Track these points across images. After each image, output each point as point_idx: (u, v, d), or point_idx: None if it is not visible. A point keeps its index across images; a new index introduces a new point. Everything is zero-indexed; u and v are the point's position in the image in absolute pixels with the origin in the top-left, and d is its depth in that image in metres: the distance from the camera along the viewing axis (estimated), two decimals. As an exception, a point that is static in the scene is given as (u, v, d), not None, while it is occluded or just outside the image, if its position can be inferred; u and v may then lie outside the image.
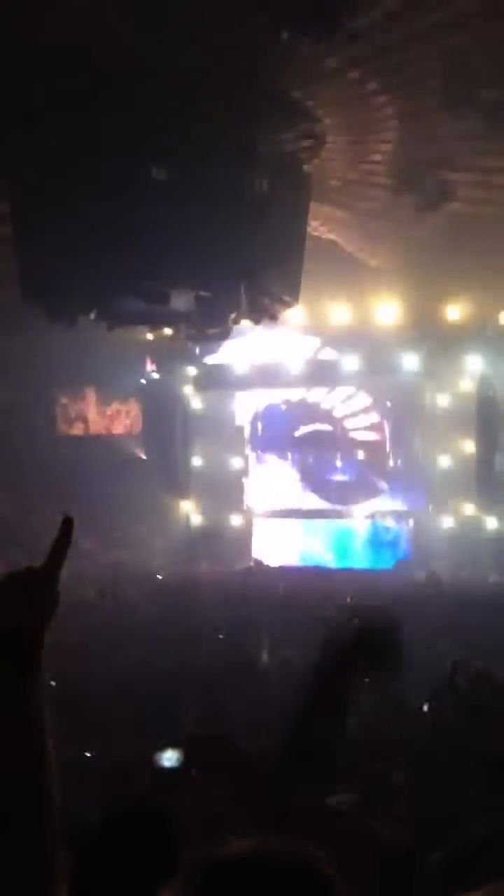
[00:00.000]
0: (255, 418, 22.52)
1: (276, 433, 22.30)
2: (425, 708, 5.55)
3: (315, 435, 21.77)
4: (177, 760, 2.12)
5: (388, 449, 21.29)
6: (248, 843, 1.11)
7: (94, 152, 9.92)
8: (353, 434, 21.46)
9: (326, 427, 21.63)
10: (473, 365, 20.54)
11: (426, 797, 3.24)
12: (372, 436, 21.38)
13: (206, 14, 9.03)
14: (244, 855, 1.08)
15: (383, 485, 21.19)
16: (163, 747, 2.15)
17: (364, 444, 21.47)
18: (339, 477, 21.52)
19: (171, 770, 2.12)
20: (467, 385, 20.59)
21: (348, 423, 21.50)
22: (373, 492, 21.17)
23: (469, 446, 20.23)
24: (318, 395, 21.75)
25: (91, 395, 23.48)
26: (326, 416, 21.66)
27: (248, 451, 22.60)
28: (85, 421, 23.58)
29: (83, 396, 23.46)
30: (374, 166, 12.68)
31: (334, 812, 1.98)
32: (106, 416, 23.75)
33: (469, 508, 20.29)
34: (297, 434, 21.96)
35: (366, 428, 21.44)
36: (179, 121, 10.01)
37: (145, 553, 20.41)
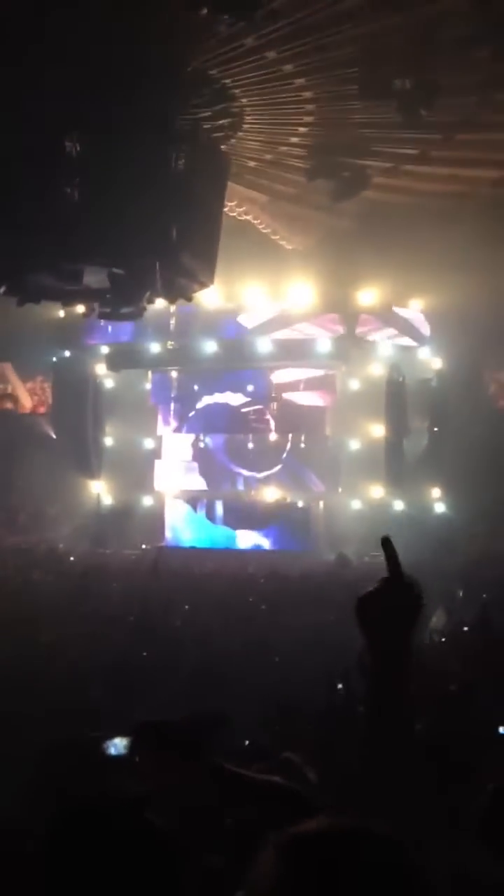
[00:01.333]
0: (168, 399, 22.42)
1: (187, 413, 22.25)
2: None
3: (225, 414, 21.84)
4: (124, 748, 2.10)
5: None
6: (337, 820, 1.11)
7: (8, 125, 9.61)
8: (253, 417, 21.66)
9: (231, 410, 21.74)
10: (383, 350, 20.92)
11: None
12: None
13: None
14: (336, 831, 1.08)
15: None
16: (109, 734, 2.12)
17: (266, 427, 21.68)
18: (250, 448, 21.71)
19: (117, 757, 2.10)
20: (377, 370, 20.99)
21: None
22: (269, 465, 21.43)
23: (378, 430, 20.63)
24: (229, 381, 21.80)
25: (7, 372, 22.97)
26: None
27: (159, 430, 22.50)
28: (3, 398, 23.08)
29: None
30: (290, 149, 12.69)
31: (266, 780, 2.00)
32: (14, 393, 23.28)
33: (378, 491, 20.71)
34: (207, 413, 21.97)
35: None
36: (95, 95, 9.79)
37: (55, 536, 20.09)
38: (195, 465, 22.05)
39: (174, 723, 2.10)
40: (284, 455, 21.47)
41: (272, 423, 21.60)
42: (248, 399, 21.74)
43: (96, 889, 1.30)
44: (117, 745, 2.13)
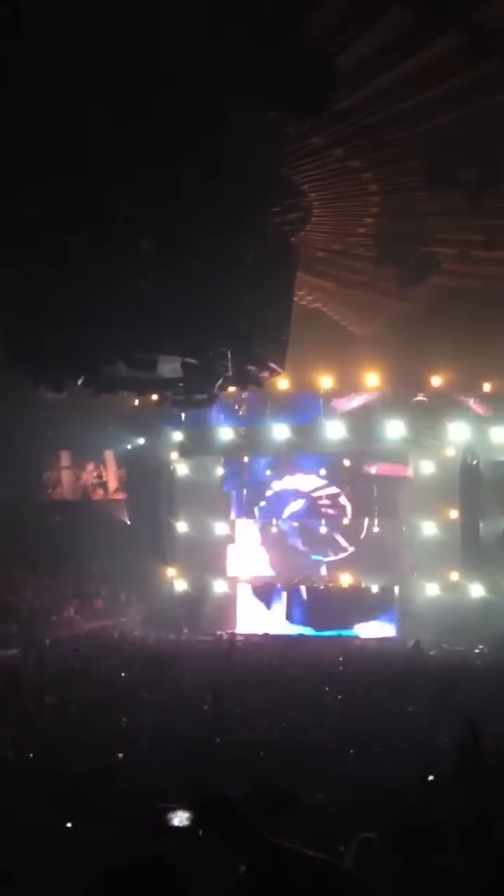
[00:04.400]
0: (241, 484, 22.55)
1: (259, 498, 22.31)
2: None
3: (297, 502, 21.84)
4: (187, 821, 2.09)
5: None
6: None
7: (84, 223, 10.09)
8: (326, 501, 21.62)
9: (303, 496, 21.77)
10: (456, 433, 20.74)
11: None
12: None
13: (195, 93, 9.33)
14: None
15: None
16: (172, 808, 2.12)
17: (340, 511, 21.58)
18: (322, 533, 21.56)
19: (179, 830, 2.09)
20: (450, 453, 20.81)
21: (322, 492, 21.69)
22: (343, 549, 21.22)
23: (453, 514, 20.32)
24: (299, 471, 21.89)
25: (86, 463, 23.54)
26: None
27: (232, 516, 22.57)
28: (72, 487, 23.57)
29: (81, 464, 23.52)
30: (358, 239, 12.99)
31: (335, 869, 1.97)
32: (92, 482, 23.75)
33: (454, 576, 20.26)
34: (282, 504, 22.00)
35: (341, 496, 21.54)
36: (167, 194, 10.22)
37: (128, 621, 20.14)
38: (267, 551, 21.98)
39: (240, 798, 2.08)
40: (359, 538, 21.27)
41: (347, 507, 21.47)
42: (322, 483, 21.71)
43: None
44: (181, 816, 2.12)
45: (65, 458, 23.27)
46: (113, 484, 23.43)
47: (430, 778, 5.48)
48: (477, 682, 12.03)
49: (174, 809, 2.14)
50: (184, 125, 9.74)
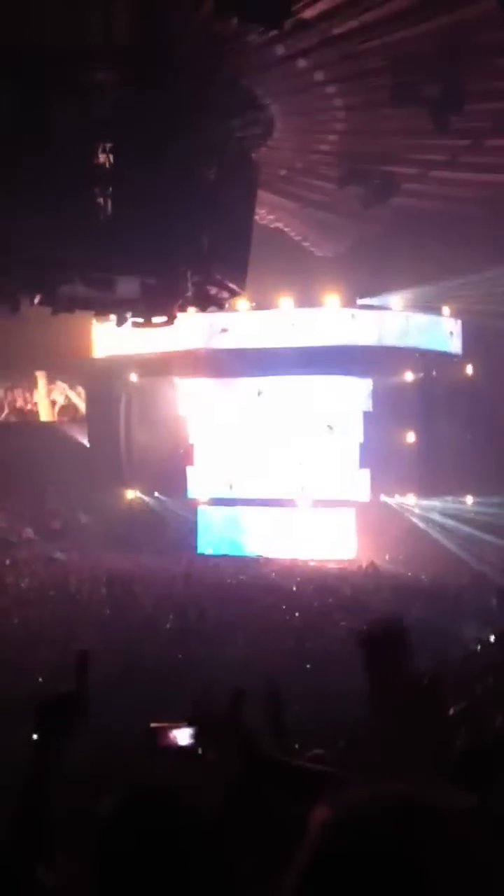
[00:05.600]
0: (199, 406, 22.50)
1: (217, 419, 22.30)
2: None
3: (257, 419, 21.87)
4: (188, 738, 2.12)
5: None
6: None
7: (40, 137, 9.73)
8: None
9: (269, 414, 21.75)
10: (415, 357, 20.85)
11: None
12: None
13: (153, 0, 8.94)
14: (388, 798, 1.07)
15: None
16: (169, 726, 2.14)
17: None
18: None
19: (177, 749, 2.12)
20: (409, 377, 20.96)
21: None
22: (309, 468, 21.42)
23: (411, 436, 20.66)
24: (259, 385, 21.82)
25: (36, 382, 23.21)
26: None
27: (192, 438, 22.57)
28: (25, 408, 23.31)
29: (27, 383, 23.19)
30: (321, 157, 12.72)
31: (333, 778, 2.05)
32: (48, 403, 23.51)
33: (410, 497, 20.68)
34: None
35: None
36: (126, 107, 9.89)
37: (87, 542, 20.22)
38: (227, 471, 22.07)
39: (234, 716, 2.13)
40: (316, 460, 21.42)
41: (305, 426, 21.53)
42: (282, 404, 21.72)
43: (147, 875, 1.34)
44: (179, 734, 2.16)
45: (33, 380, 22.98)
46: (46, 409, 23.17)
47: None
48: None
49: (171, 728, 2.17)
50: (141, 33, 9.36)
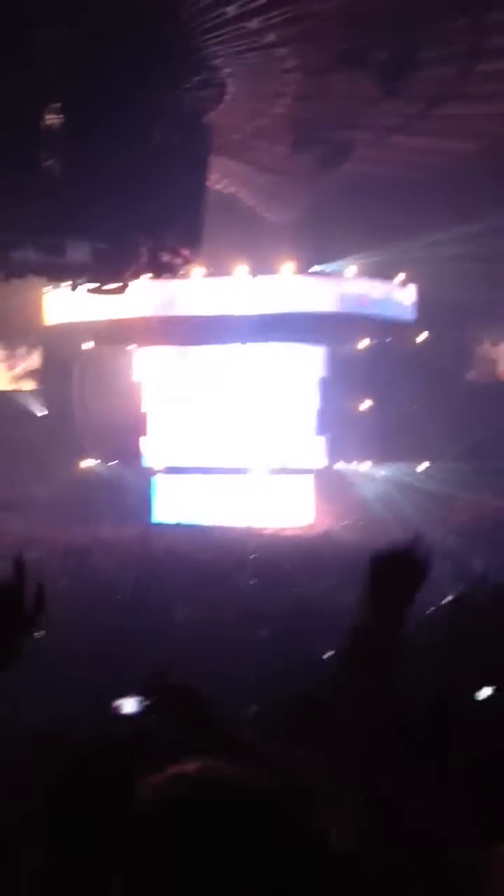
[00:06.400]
0: (154, 373, 22.37)
1: (172, 387, 22.21)
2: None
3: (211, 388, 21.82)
4: (137, 707, 2.12)
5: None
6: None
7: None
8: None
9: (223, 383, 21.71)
10: (369, 324, 20.93)
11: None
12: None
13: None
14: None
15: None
16: (122, 695, 2.14)
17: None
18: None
19: (129, 717, 2.12)
20: (364, 343, 21.05)
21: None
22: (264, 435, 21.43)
23: (365, 403, 20.82)
24: (213, 353, 21.75)
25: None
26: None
27: (146, 405, 22.46)
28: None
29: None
30: (273, 120, 12.61)
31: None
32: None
33: (365, 463, 20.88)
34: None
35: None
36: (75, 68, 9.68)
37: (42, 513, 20.07)
38: (182, 439, 22.04)
39: (187, 685, 2.12)
40: (272, 428, 21.47)
41: (260, 394, 21.53)
42: (237, 372, 21.69)
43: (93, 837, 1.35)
44: (137, 702, 2.16)
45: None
46: (20, 374, 22.93)
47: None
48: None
49: (129, 695, 2.17)
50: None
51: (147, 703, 2.11)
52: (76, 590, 10.94)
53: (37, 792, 1.42)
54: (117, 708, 2.17)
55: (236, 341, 21.16)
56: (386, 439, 20.25)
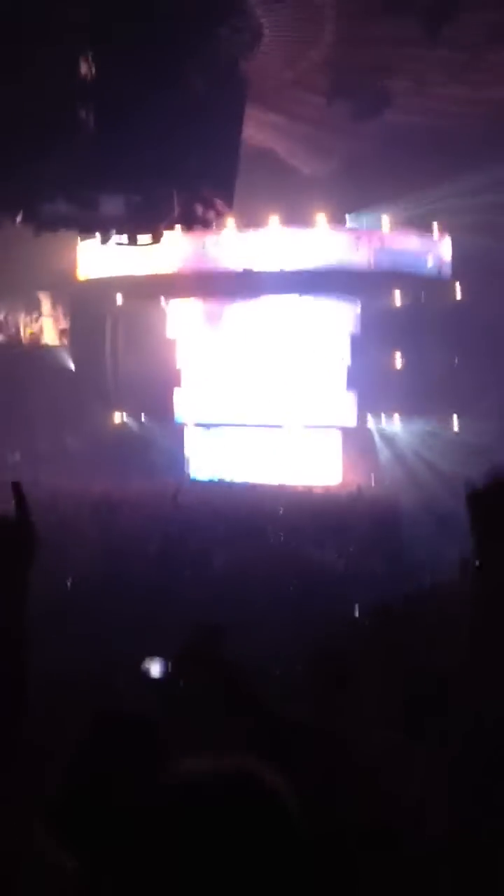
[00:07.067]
0: (188, 328, 22.25)
1: (206, 342, 22.09)
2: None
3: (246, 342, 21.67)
4: (164, 671, 2.11)
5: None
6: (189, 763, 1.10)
7: (20, 46, 9.31)
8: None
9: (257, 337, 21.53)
10: (404, 279, 20.59)
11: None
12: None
13: None
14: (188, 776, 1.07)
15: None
16: (150, 658, 2.13)
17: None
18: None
19: (157, 681, 2.12)
20: (398, 298, 20.76)
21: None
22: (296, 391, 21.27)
23: (398, 358, 20.62)
24: (247, 308, 21.55)
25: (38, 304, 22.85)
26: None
27: (179, 360, 22.38)
28: (12, 330, 23.00)
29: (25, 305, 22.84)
30: (310, 65, 12.29)
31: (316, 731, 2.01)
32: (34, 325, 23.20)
33: (399, 418, 20.76)
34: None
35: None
36: (110, 15, 9.45)
37: (74, 467, 20.21)
38: (215, 394, 21.95)
39: (216, 651, 2.10)
40: (304, 383, 21.30)
41: (292, 349, 21.35)
42: (270, 326, 21.49)
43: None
44: (163, 667, 2.15)
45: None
46: (50, 331, 22.91)
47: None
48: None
49: (156, 660, 2.15)
50: None
51: (178, 668, 2.09)
52: (105, 543, 11.04)
53: (59, 760, 1.42)
54: (146, 670, 2.16)
55: (269, 294, 20.94)
56: (417, 394, 20.07)
